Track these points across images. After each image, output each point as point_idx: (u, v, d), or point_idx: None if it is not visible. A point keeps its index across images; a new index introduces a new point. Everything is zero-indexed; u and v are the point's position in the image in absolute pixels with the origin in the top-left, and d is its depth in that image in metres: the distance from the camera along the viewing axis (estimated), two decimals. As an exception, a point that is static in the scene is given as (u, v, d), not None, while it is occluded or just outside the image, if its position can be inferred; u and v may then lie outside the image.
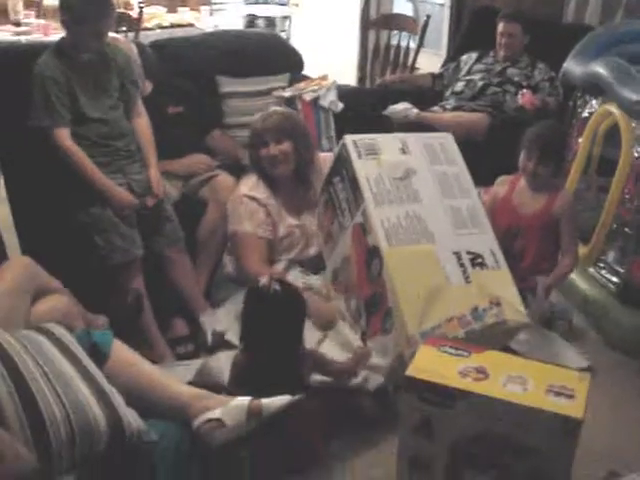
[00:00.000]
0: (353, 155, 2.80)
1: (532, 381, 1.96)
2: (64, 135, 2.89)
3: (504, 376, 1.97)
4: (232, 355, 2.47)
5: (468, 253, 2.62)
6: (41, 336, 1.86)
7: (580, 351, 3.01)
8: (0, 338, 1.79)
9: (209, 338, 2.84)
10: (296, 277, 2.93)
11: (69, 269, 2.60)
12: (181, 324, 3.12)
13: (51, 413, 1.69)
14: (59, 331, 1.90)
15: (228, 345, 2.65)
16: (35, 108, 2.89)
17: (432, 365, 2.03)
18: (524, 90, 4.26)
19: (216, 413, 1.95)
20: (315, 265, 3.06)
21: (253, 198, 3.05)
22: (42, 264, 2.40)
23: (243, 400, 1.97)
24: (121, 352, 2.04)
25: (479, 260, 2.62)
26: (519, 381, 1.96)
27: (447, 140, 2.98)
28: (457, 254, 2.61)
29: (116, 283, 2.97)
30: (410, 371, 2.00)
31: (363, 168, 2.77)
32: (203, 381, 2.43)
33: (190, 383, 2.27)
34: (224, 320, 2.82)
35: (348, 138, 2.86)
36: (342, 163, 2.86)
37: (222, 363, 2.51)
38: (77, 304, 2.50)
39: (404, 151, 2.87)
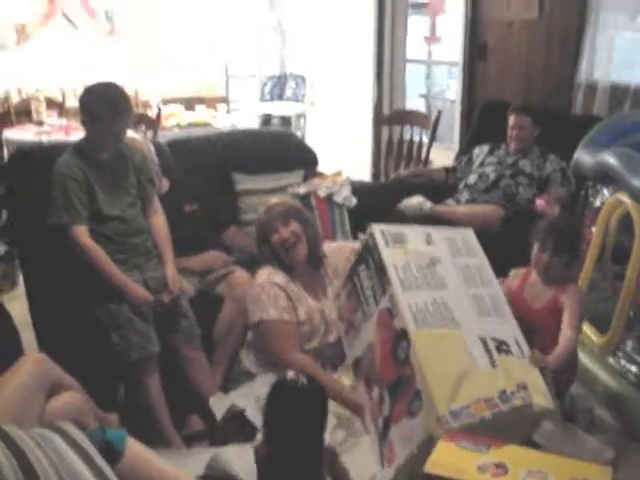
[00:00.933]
0: (380, 243, 2.83)
1: (553, 476, 1.92)
2: (82, 232, 2.94)
3: (524, 471, 1.94)
4: (242, 448, 2.47)
5: (493, 340, 2.62)
6: (54, 434, 1.85)
7: (602, 443, 2.95)
8: (14, 435, 1.78)
9: (219, 415, 2.84)
10: None
11: (85, 366, 2.61)
12: (196, 420, 3.10)
13: (64, 514, 1.67)
14: (72, 429, 1.89)
15: (242, 423, 2.67)
16: (54, 206, 2.96)
17: (450, 460, 1.99)
18: (537, 201, 4.27)
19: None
20: (335, 356, 3.02)
21: (273, 283, 2.99)
22: (58, 361, 2.41)
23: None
24: (135, 450, 2.01)
25: (504, 347, 2.61)
26: (539, 476, 1.92)
27: (468, 234, 3.07)
28: (483, 340, 2.61)
29: (132, 380, 2.97)
30: (428, 467, 1.97)
31: (390, 255, 2.79)
32: (213, 474, 2.40)
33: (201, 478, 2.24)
34: (240, 401, 2.81)
35: (375, 227, 2.89)
36: (368, 251, 2.88)
37: (231, 455, 2.49)
38: (90, 401, 2.49)
39: (428, 242, 2.93)
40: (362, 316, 2.88)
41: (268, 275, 3.03)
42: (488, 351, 2.58)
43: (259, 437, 2.58)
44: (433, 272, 2.81)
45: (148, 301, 3.00)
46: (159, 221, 3.23)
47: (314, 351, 2.99)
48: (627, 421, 3.12)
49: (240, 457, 2.48)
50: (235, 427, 2.80)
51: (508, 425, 2.39)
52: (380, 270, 2.79)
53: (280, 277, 3.02)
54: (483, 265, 2.93)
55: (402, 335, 2.59)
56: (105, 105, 2.96)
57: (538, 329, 2.97)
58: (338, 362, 2.98)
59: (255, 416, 2.66)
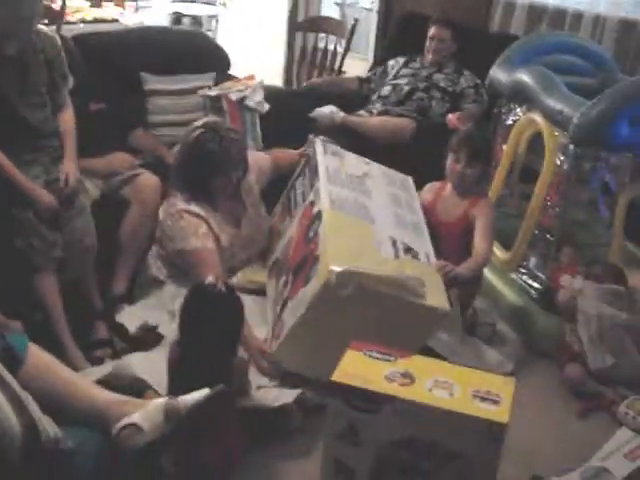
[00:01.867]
0: (319, 150, 2.97)
1: (458, 386, 1.95)
2: None
3: (430, 381, 1.97)
4: (148, 355, 2.47)
5: (403, 244, 2.67)
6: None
7: (503, 355, 3.03)
8: None
9: (132, 328, 2.79)
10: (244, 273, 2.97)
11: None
12: (103, 327, 3.02)
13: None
14: (-31, 333, 1.82)
15: (153, 338, 2.65)
16: None
17: (358, 370, 2.00)
18: (449, 116, 4.25)
19: (133, 418, 1.90)
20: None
21: (193, 213, 2.84)
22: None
23: (160, 401, 1.93)
24: (37, 357, 1.96)
25: (413, 252, 2.67)
26: (445, 386, 1.95)
27: (407, 179, 3.20)
28: (392, 239, 2.66)
29: (32, 286, 2.86)
30: (336, 376, 1.97)
31: (325, 160, 2.92)
32: (117, 380, 2.36)
33: (103, 382, 2.20)
34: (151, 315, 2.77)
35: (318, 139, 3.09)
36: (307, 163, 2.98)
37: (137, 362, 2.48)
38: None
39: (367, 163, 3.09)
40: (289, 220, 2.94)
41: (187, 204, 2.86)
42: (395, 247, 2.63)
43: (163, 343, 2.57)
44: (362, 182, 2.89)
45: (53, 206, 2.86)
46: (67, 118, 3.05)
47: (230, 269, 2.96)
48: (527, 335, 3.22)
49: (146, 363, 2.46)
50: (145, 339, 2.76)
51: (397, 316, 2.43)
52: (313, 173, 2.86)
53: (200, 208, 2.85)
54: (414, 201, 3.03)
55: (317, 216, 2.65)
56: None
57: (447, 241, 3.01)
58: None
59: (168, 331, 2.62)
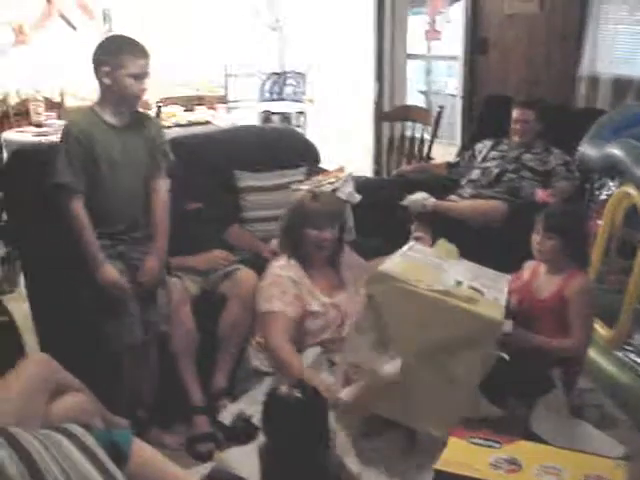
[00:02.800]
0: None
1: (567, 472, 1.90)
2: (76, 200, 2.81)
3: (537, 467, 1.92)
4: (245, 449, 2.48)
5: (469, 285, 2.66)
6: (60, 435, 1.82)
7: (613, 438, 2.92)
8: (21, 438, 1.75)
9: (228, 420, 2.87)
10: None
11: (88, 367, 2.58)
12: (204, 421, 3.06)
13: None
14: (78, 430, 1.86)
15: (249, 428, 2.70)
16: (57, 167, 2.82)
17: (462, 457, 1.97)
18: (538, 191, 4.24)
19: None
20: None
21: (286, 277, 3.06)
22: (62, 362, 2.39)
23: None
24: (142, 451, 1.98)
25: (477, 290, 2.65)
26: (554, 472, 1.90)
27: (503, 276, 3.04)
28: (457, 281, 2.65)
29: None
30: (439, 464, 1.94)
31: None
32: (219, 476, 2.38)
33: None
34: (248, 407, 2.83)
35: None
36: None
37: (235, 457, 2.53)
38: (96, 402, 2.46)
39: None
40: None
41: (282, 267, 3.09)
42: (459, 284, 2.62)
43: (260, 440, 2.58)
44: (437, 264, 2.86)
45: (118, 282, 2.85)
46: (159, 199, 3.05)
47: (327, 342, 3.02)
48: (637, 415, 3.10)
49: (244, 458, 2.48)
50: (241, 431, 2.81)
51: (444, 324, 2.45)
52: None
53: (294, 270, 3.08)
54: (497, 278, 2.95)
55: None
56: (116, 49, 2.87)
57: (542, 320, 2.96)
58: None
59: None
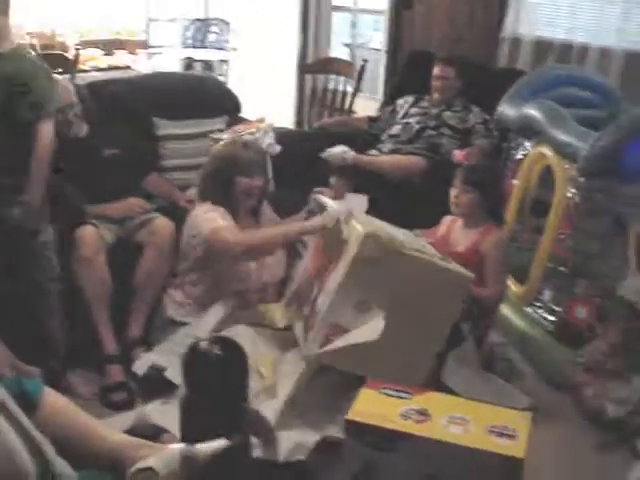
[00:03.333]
0: (328, 201, 3.01)
1: (474, 422, 1.94)
2: None
3: (446, 417, 1.96)
4: (166, 403, 2.50)
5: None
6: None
7: (520, 390, 3.02)
8: None
9: (141, 370, 2.85)
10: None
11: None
12: (118, 371, 3.04)
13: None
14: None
15: (163, 384, 2.69)
16: None
17: (373, 408, 2.00)
18: (455, 152, 4.28)
19: (149, 462, 1.88)
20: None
21: (219, 210, 3.05)
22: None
23: (176, 447, 1.91)
24: (53, 400, 1.96)
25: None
26: (461, 422, 1.94)
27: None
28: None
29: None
30: (351, 414, 1.97)
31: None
32: (141, 428, 2.38)
33: (127, 432, 2.20)
34: (162, 358, 2.81)
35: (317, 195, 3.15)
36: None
37: (156, 410, 2.52)
38: (6, 351, 2.42)
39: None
40: (298, 261, 3.04)
41: (210, 209, 3.06)
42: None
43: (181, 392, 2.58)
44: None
45: None
46: (35, 148, 2.89)
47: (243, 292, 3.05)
48: (543, 369, 3.20)
49: (164, 413, 2.49)
50: (154, 382, 2.80)
51: (426, 281, 2.55)
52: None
53: (222, 214, 3.04)
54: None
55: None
56: None
57: None
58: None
59: (176, 376, 2.63)
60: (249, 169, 3.10)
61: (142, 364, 2.89)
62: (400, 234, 2.79)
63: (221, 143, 3.26)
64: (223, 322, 2.89)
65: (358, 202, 3.32)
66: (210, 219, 2.99)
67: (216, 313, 2.94)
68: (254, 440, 2.29)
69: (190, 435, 2.01)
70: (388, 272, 2.54)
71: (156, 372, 2.79)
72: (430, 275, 2.58)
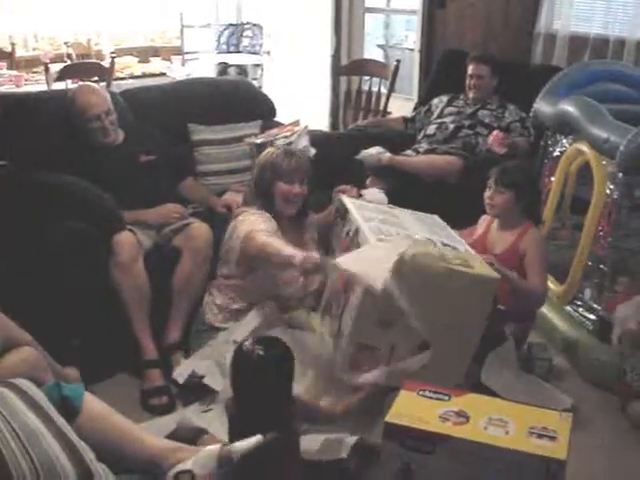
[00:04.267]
0: (345, 199, 3.05)
1: (513, 423, 1.92)
2: None
3: (485, 419, 1.94)
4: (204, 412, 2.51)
5: (441, 242, 2.73)
6: (7, 390, 1.81)
7: (561, 391, 2.98)
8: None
9: (181, 378, 2.86)
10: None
11: (38, 321, 2.55)
12: (158, 375, 3.06)
13: (19, 469, 1.63)
14: (26, 385, 1.85)
15: (203, 388, 2.70)
16: None
17: (411, 410, 1.98)
18: (495, 131, 4.28)
19: (187, 464, 1.90)
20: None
21: (262, 214, 3.05)
22: (12, 316, 2.36)
23: (213, 448, 1.93)
24: (93, 405, 1.98)
25: (451, 246, 2.72)
26: (500, 424, 1.92)
27: (434, 217, 3.15)
28: (431, 240, 2.72)
29: None
30: (389, 417, 1.95)
31: (356, 205, 2.99)
32: (182, 431, 2.40)
33: (168, 436, 2.22)
34: (201, 365, 2.82)
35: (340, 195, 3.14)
36: (337, 215, 3.07)
37: (197, 413, 2.55)
38: (47, 356, 2.44)
39: (394, 209, 3.11)
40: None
41: (259, 214, 3.05)
42: (434, 243, 2.68)
43: (221, 397, 2.59)
44: (394, 215, 2.95)
45: None
46: None
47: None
48: (585, 369, 3.16)
49: (205, 415, 2.54)
50: (195, 390, 2.81)
51: (453, 291, 2.45)
52: (344, 219, 2.91)
53: (269, 220, 3.04)
54: (447, 230, 3.00)
55: (356, 232, 2.76)
56: None
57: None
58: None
59: (215, 381, 2.71)
60: (289, 176, 3.09)
61: (182, 371, 2.90)
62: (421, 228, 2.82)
63: (266, 151, 3.25)
64: (261, 327, 2.89)
65: (379, 198, 3.30)
66: (251, 221, 2.99)
67: (254, 318, 2.94)
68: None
69: (238, 437, 2.02)
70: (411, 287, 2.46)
71: (195, 380, 2.81)
72: (455, 282, 2.47)
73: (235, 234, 3.03)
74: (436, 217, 3.17)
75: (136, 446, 1.97)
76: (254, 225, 2.96)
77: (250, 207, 3.12)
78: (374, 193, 3.50)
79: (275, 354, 2.17)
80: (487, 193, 3.08)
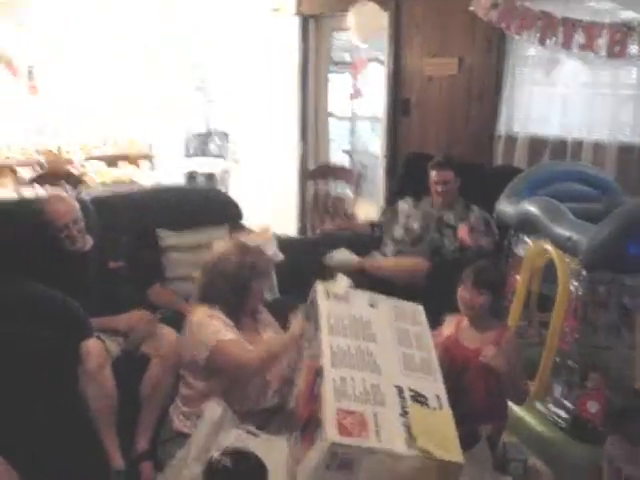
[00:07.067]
0: (321, 296, 2.84)
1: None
2: None
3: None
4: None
5: (411, 390, 2.55)
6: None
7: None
8: None
9: None
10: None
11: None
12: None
13: None
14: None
15: None
16: None
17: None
18: (461, 225, 4.34)
19: None
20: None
21: (220, 317, 2.96)
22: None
23: None
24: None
25: (421, 399, 2.54)
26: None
27: (418, 309, 3.05)
28: (399, 388, 2.54)
29: None
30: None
31: (327, 307, 2.79)
32: None
33: None
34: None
35: (320, 285, 2.91)
36: (311, 306, 2.87)
37: None
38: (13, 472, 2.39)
39: (372, 305, 2.94)
40: (299, 367, 2.85)
41: (211, 310, 2.97)
42: (402, 398, 2.51)
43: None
44: (367, 326, 2.78)
45: None
46: None
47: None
48: (559, 468, 3.13)
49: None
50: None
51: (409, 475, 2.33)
52: (316, 321, 2.76)
53: (222, 316, 2.97)
54: (424, 333, 2.89)
55: (319, 372, 2.53)
56: None
57: (471, 371, 2.96)
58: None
59: None
60: (264, 275, 3.11)
61: None
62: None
63: (228, 247, 3.21)
64: (222, 426, 2.83)
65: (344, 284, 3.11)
66: (214, 330, 2.90)
67: (209, 419, 2.88)
68: None
69: None
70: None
71: None
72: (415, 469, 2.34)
73: (197, 339, 2.94)
74: (419, 309, 3.07)
75: None
76: (220, 334, 2.88)
77: (202, 305, 3.04)
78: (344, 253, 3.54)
79: (245, 469, 2.13)
80: (464, 295, 3.08)
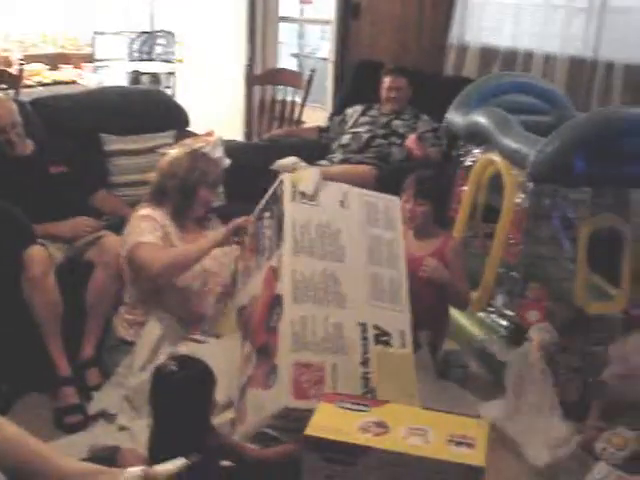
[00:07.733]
0: (287, 196, 2.66)
1: (433, 432, 1.94)
2: None
3: (405, 429, 1.95)
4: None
5: (375, 328, 2.50)
6: None
7: (477, 397, 3.03)
8: None
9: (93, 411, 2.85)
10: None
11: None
12: (72, 393, 2.98)
13: None
14: None
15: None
16: None
17: (332, 422, 1.98)
18: (411, 135, 4.35)
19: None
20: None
21: (155, 219, 3.05)
22: None
23: (136, 470, 1.88)
24: (3, 428, 1.91)
25: (385, 338, 2.50)
26: (420, 433, 1.94)
27: (394, 203, 2.89)
28: (363, 326, 2.48)
29: None
30: (309, 430, 1.95)
31: (293, 211, 2.62)
32: (97, 455, 2.34)
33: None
34: (112, 399, 2.82)
35: (287, 177, 2.74)
36: (274, 200, 2.75)
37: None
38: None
39: (343, 205, 2.75)
40: (256, 265, 2.76)
41: (149, 212, 3.08)
42: (365, 339, 2.47)
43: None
44: (335, 239, 2.63)
45: None
46: None
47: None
48: (498, 374, 3.22)
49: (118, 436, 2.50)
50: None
51: None
52: (279, 223, 2.63)
53: (160, 216, 3.07)
54: (396, 241, 2.76)
55: (278, 302, 2.46)
56: None
57: (418, 274, 2.99)
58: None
59: (127, 417, 2.71)
60: (213, 182, 3.17)
61: (94, 406, 2.88)
62: None
63: (182, 151, 3.23)
64: (165, 338, 2.87)
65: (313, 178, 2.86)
66: (138, 232, 3.00)
67: (152, 331, 2.91)
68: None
69: (158, 457, 1.98)
70: None
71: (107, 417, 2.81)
72: None
73: (123, 238, 3.07)
74: (394, 203, 2.90)
75: (52, 471, 1.90)
76: (140, 236, 2.98)
77: (147, 205, 3.13)
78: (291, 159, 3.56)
79: (193, 373, 2.14)
80: (406, 205, 3.10)
